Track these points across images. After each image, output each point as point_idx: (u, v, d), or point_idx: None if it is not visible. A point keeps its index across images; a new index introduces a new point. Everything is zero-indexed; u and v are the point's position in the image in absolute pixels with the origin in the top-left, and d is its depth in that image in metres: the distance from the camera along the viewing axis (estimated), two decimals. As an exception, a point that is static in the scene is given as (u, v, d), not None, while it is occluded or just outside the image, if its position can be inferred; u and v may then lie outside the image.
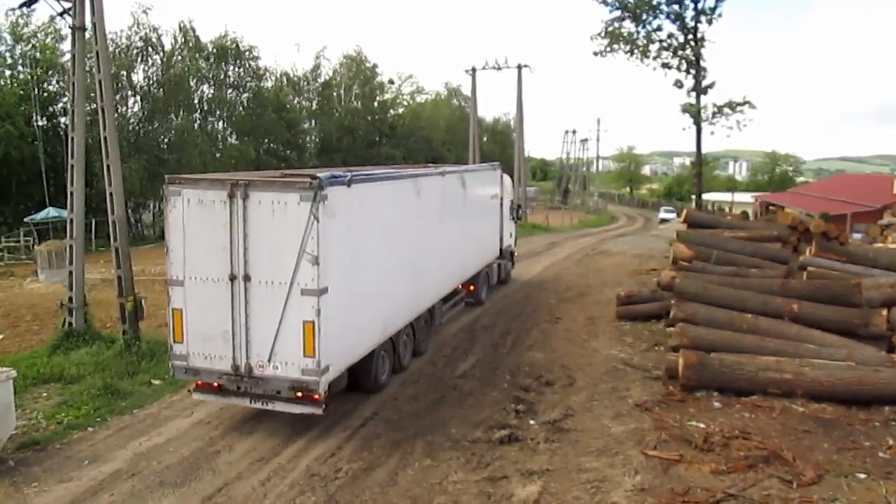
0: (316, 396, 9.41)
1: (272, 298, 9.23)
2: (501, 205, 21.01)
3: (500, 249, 21.09)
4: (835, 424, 9.82)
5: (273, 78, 55.22)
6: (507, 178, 22.03)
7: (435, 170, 15.06)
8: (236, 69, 50.00)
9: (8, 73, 40.57)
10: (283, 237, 9.08)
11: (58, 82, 40.70)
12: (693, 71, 37.90)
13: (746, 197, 69.51)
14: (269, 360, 9.38)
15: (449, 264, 15.38)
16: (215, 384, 9.95)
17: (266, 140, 52.45)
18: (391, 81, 68.46)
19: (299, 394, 9.45)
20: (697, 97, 37.84)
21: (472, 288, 18.15)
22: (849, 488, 7.98)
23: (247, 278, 9.36)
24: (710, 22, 37.63)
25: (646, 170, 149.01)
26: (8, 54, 40.73)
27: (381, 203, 11.24)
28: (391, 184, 11.98)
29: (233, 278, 9.40)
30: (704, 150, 41.96)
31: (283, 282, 9.12)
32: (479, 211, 18.26)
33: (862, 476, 8.30)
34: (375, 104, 64.60)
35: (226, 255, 9.38)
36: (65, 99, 36.87)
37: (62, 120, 39.46)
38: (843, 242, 20.46)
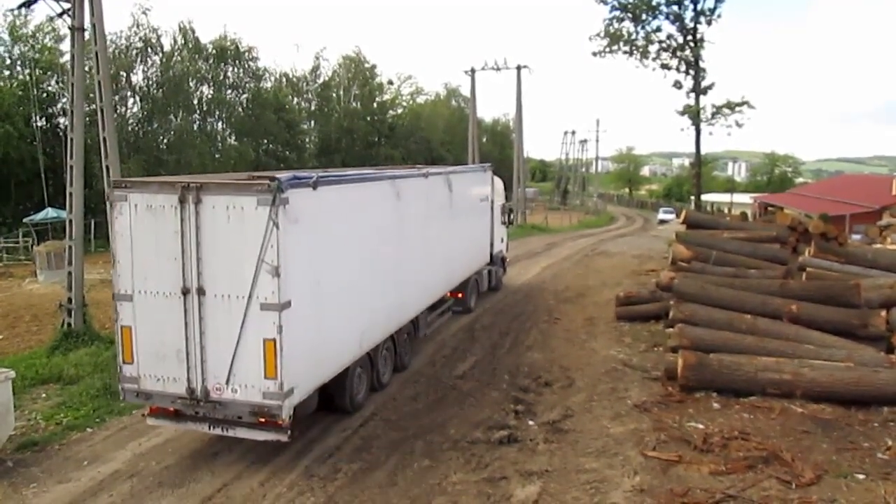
0: (280, 422, 8.56)
1: (229, 314, 8.39)
2: (492, 208, 20.02)
3: (491, 255, 20.07)
4: (834, 425, 9.83)
5: (272, 79, 55.28)
6: (497, 180, 21.02)
7: (417, 171, 14.18)
8: (235, 70, 50.00)
9: (7, 73, 40.57)
10: (239, 246, 8.24)
11: (57, 83, 40.71)
12: (692, 72, 37.94)
13: (745, 198, 69.58)
14: (228, 383, 8.53)
15: (433, 272, 14.50)
16: (171, 409, 9.12)
17: (265, 141, 52.47)
18: (390, 82, 68.46)
19: (262, 419, 8.64)
20: (696, 98, 37.89)
21: (460, 295, 17.43)
22: (848, 489, 8.00)
23: (201, 292, 8.49)
24: (709, 23, 37.70)
25: (645, 170, 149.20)
26: (6, 55, 40.75)
27: (355, 207, 10.39)
28: (366, 186, 11.06)
29: (185, 292, 8.53)
30: (703, 151, 42.02)
31: (241, 295, 8.27)
32: (467, 214, 17.32)
33: (861, 477, 8.31)
34: (375, 105, 64.55)
35: (177, 267, 8.52)
36: (64, 99, 36.85)
37: (61, 120, 39.44)
38: (841, 243, 20.44)
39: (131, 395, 9.08)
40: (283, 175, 8.43)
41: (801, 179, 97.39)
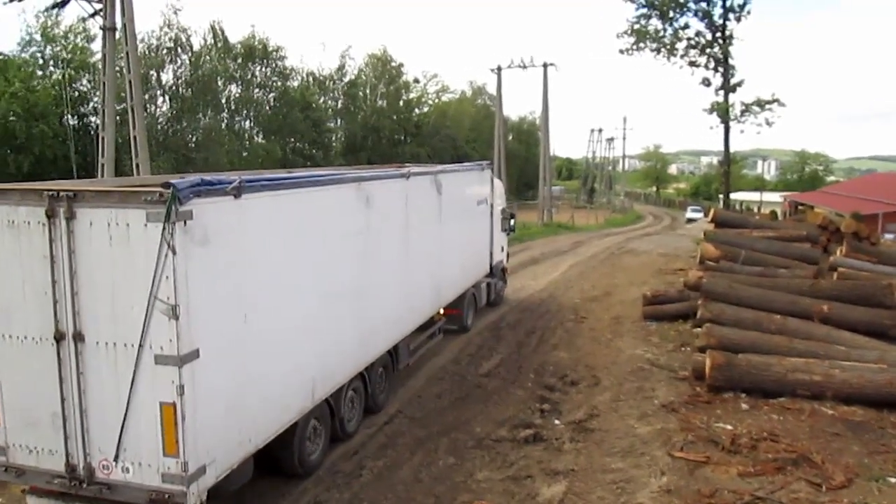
0: None
1: (115, 368, 6.30)
2: (491, 213, 17.75)
3: (490, 266, 17.83)
4: (865, 427, 9.67)
5: (299, 77, 55.66)
6: (498, 181, 18.92)
7: (395, 171, 11.85)
8: (263, 69, 50.45)
9: (40, 73, 41.26)
10: (126, 277, 6.14)
11: (89, 82, 41.32)
12: (721, 69, 37.43)
13: (775, 196, 68.75)
14: (117, 459, 6.39)
15: (418, 290, 12.26)
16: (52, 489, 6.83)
17: (292, 139, 52.85)
18: (416, 80, 68.55)
19: None
20: (725, 95, 37.36)
21: (455, 312, 15.42)
22: (879, 492, 7.87)
23: (78, 337, 6.38)
24: (738, 19, 37.12)
25: (672, 169, 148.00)
26: (40, 55, 41.41)
27: (303, 219, 8.14)
28: (318, 192, 8.53)
29: (60, 338, 6.41)
30: (732, 149, 41.40)
31: (130, 343, 6.18)
32: (461, 221, 15.02)
33: (893, 480, 8.17)
34: (401, 103, 64.73)
35: (48, 304, 6.40)
36: (95, 99, 37.39)
37: (93, 119, 40.04)
38: (874, 243, 20.16)
39: None
40: (184, 180, 6.26)
41: (832, 178, 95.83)
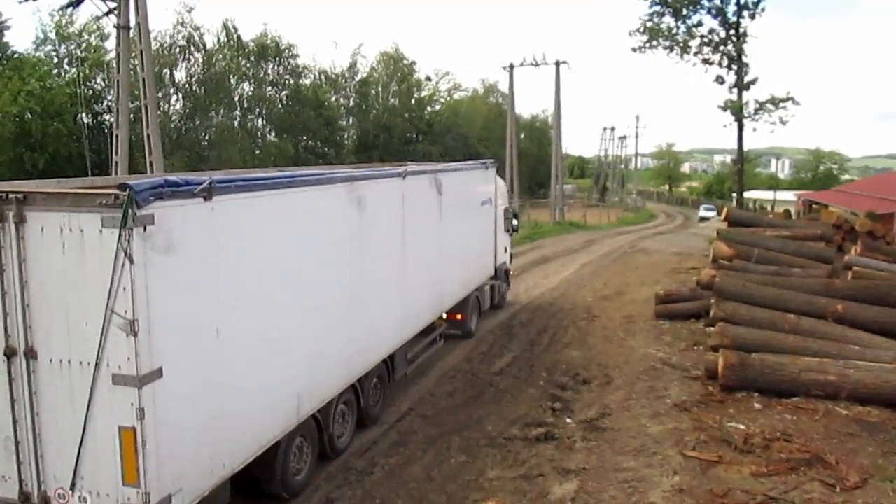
0: None
1: (70, 388, 5.71)
2: (495, 214, 17.10)
3: (495, 268, 17.13)
4: (880, 428, 9.60)
5: (311, 76, 55.81)
6: (500, 180, 18.21)
7: (390, 170, 11.14)
8: (276, 67, 50.63)
9: (55, 72, 41.59)
10: (80, 288, 5.56)
11: (103, 80, 41.60)
12: (735, 67, 37.32)
13: (789, 195, 68.21)
14: (73, 488, 5.83)
15: (416, 295, 11.58)
16: None
17: (304, 137, 53.01)
18: (428, 78, 68.59)
19: None
20: (739, 93, 37.27)
21: (458, 317, 14.87)
22: (894, 493, 7.80)
23: (31, 354, 5.82)
24: (752, 17, 37.06)
25: (685, 167, 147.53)
26: (54, 54, 41.74)
27: (286, 222, 7.49)
28: (304, 192, 7.90)
29: (11, 354, 5.85)
30: (746, 148, 41.34)
31: (85, 361, 5.59)
32: (463, 222, 14.41)
33: (908, 481, 8.11)
34: (413, 101, 64.77)
35: None
36: (110, 97, 37.68)
37: (107, 117, 40.34)
38: (889, 242, 20.01)
39: None
40: (144, 180, 5.66)
41: (847, 176, 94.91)
